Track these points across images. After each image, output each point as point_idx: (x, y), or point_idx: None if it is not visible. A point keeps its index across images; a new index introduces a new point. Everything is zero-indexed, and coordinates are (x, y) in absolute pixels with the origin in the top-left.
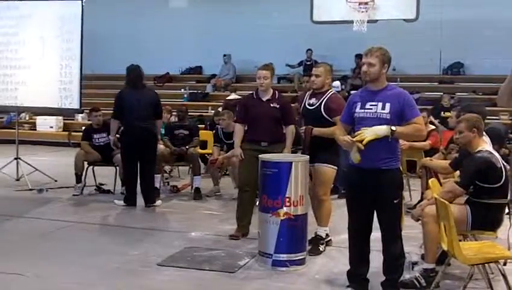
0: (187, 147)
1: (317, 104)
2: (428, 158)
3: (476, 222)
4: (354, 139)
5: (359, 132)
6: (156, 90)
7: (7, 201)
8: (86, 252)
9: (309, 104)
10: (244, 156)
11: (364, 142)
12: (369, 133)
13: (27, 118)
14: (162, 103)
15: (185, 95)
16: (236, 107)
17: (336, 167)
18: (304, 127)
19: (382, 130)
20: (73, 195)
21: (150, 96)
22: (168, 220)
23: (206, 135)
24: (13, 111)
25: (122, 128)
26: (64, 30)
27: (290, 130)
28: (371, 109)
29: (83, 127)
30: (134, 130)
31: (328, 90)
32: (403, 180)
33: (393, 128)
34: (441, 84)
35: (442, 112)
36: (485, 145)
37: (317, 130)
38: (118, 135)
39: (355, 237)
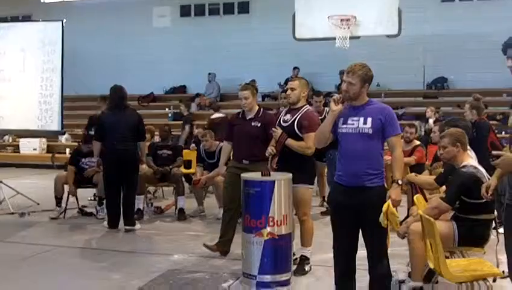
0: (170, 167)
1: (291, 120)
2: (413, 174)
3: (462, 238)
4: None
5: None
6: (140, 110)
7: None
8: (67, 276)
9: (283, 121)
10: (227, 174)
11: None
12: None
13: (10, 140)
14: (146, 123)
15: (170, 115)
16: (219, 125)
17: (312, 186)
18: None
19: (398, 194)
20: (51, 218)
21: (132, 118)
22: (151, 242)
23: (190, 154)
24: None
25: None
26: (45, 50)
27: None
28: (353, 124)
29: (67, 149)
30: (115, 153)
31: (304, 106)
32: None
33: (400, 182)
34: (425, 98)
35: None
36: (470, 159)
37: (289, 141)
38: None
39: (340, 256)
